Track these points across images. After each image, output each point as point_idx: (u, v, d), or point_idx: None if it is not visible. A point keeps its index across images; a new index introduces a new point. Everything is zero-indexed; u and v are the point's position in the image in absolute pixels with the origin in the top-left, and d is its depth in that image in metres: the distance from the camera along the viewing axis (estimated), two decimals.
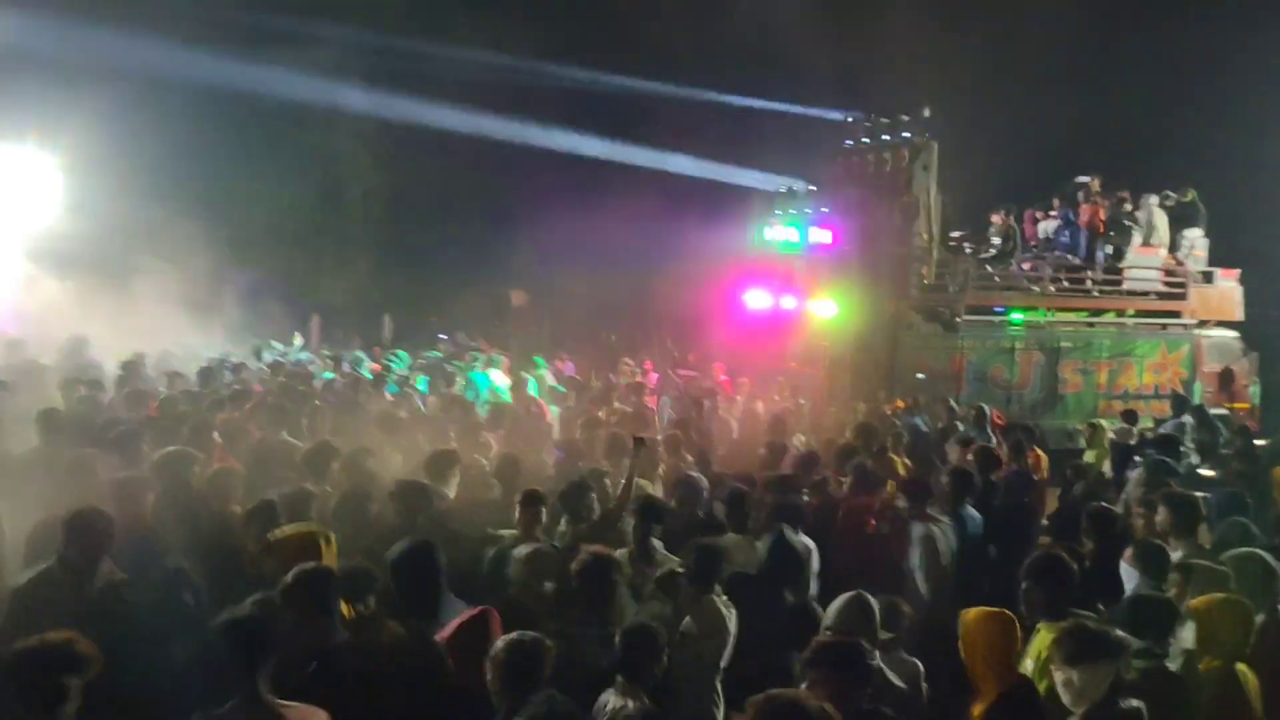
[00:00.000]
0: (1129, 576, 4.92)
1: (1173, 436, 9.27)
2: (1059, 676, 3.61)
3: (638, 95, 21.26)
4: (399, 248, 23.93)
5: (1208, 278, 15.04)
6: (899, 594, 5.11)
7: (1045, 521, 7.37)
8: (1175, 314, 14.86)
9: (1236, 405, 13.74)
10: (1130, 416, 11.42)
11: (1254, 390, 14.55)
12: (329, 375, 12.07)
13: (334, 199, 24.11)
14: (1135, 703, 3.55)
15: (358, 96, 23.29)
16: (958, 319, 13.82)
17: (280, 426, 7.54)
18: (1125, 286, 14.94)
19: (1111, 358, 14.39)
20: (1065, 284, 14.79)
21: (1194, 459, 9.09)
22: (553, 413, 10.59)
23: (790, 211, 15.77)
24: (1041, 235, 15.57)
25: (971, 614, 3.94)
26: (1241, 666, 4.13)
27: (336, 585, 3.96)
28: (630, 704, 3.70)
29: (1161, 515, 5.58)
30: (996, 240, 14.72)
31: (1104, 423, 11.18)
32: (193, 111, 19.20)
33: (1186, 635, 4.22)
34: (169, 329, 12.66)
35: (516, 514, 5.35)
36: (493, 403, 10.71)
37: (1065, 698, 3.58)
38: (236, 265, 16.69)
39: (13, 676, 3.07)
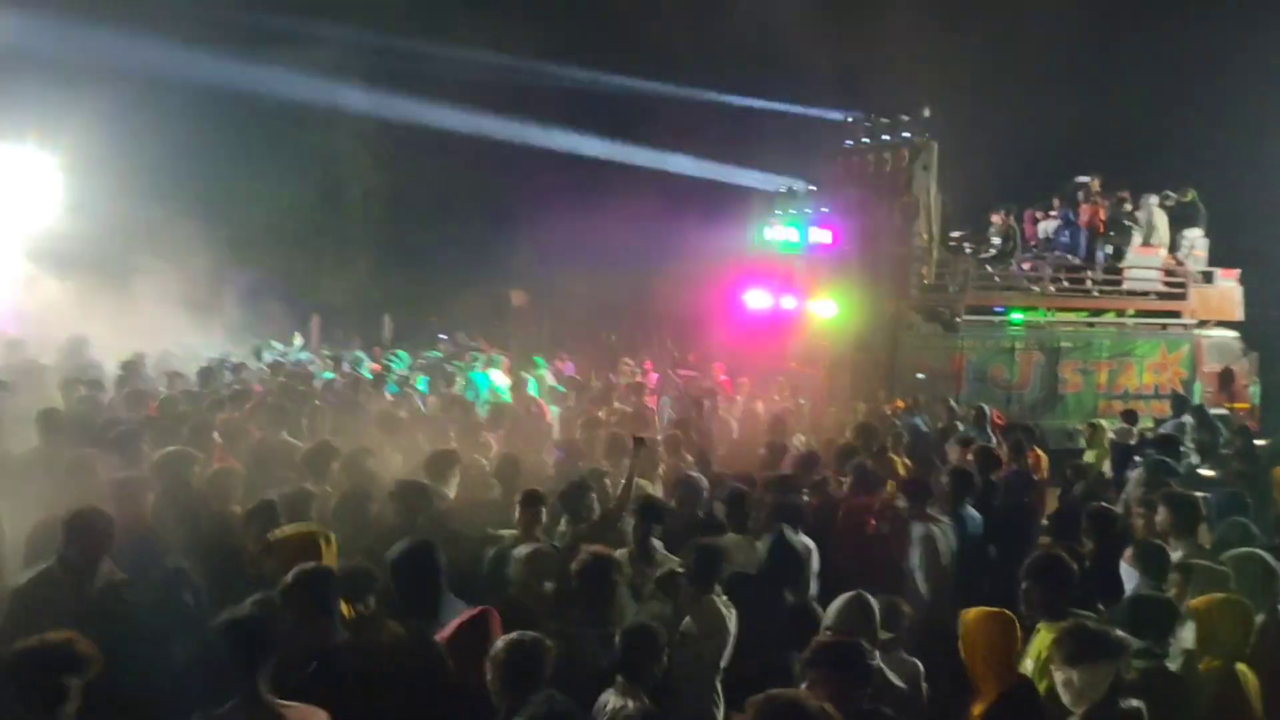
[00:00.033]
0: (1129, 576, 4.92)
1: (1173, 437, 9.27)
2: (1059, 676, 3.61)
3: (637, 95, 21.26)
4: (399, 248, 23.94)
5: (1208, 278, 15.04)
6: (899, 594, 5.11)
7: (1045, 521, 7.36)
8: (1175, 314, 14.86)
9: (1236, 405, 13.74)
10: (1130, 416, 11.42)
11: (1254, 390, 14.55)
12: (329, 375, 12.07)
13: (334, 199, 24.10)
14: (1135, 703, 3.55)
15: (358, 96, 23.28)
16: (958, 319, 13.82)
17: (280, 426, 7.54)
18: (1125, 286, 14.94)
19: (1111, 358, 14.39)
20: (1065, 284, 14.79)
21: (1194, 459, 9.09)
22: (553, 413, 10.59)
23: (790, 211, 15.77)
24: (1041, 235, 15.57)
25: (971, 614, 3.94)
26: (1241, 666, 4.13)
27: (337, 585, 3.96)
28: (630, 704, 3.70)
29: (1161, 515, 5.59)
30: (996, 240, 14.72)
31: (1104, 423, 11.18)
32: (193, 111, 19.20)
33: (1187, 635, 4.22)
34: (169, 329, 12.66)
35: (516, 514, 5.35)
36: (492, 403, 10.71)
37: (1065, 698, 3.58)
38: (236, 265, 16.69)
39: (12, 676, 3.07)
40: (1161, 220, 14.91)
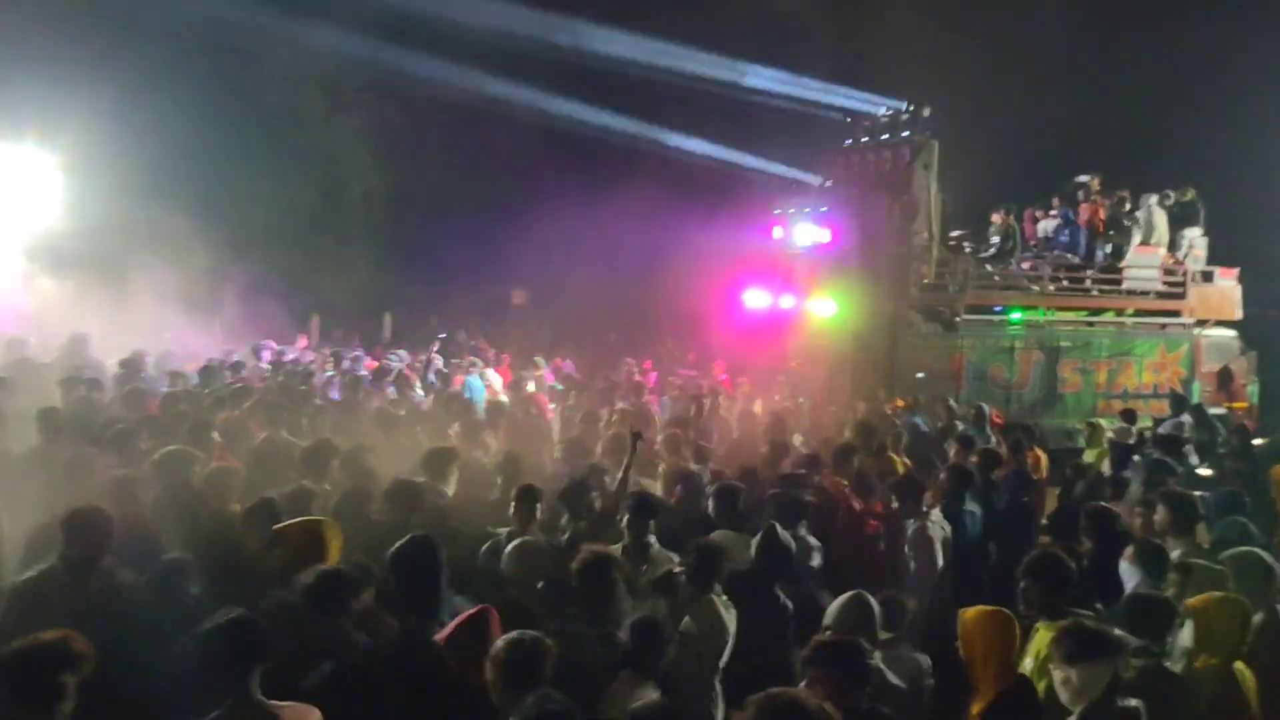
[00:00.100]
0: (1130, 575, 4.93)
1: (1176, 437, 9.26)
2: (1057, 675, 3.62)
3: (638, 95, 21.24)
4: (399, 247, 23.92)
5: (1207, 277, 15.04)
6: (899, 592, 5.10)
7: (1045, 521, 7.37)
8: (1174, 313, 14.88)
9: (1235, 404, 13.76)
10: (1129, 416, 11.42)
11: (1252, 389, 14.56)
12: (329, 374, 12.06)
13: (334, 198, 24.08)
14: (1133, 701, 3.55)
15: (358, 95, 23.32)
16: (957, 318, 13.84)
17: (279, 425, 7.55)
18: (1124, 286, 14.94)
19: (1111, 357, 14.41)
20: (1065, 283, 14.80)
21: (1193, 459, 9.09)
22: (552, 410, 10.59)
23: (791, 211, 15.76)
24: (1041, 234, 15.57)
25: (970, 613, 3.95)
26: (1239, 665, 4.14)
27: (355, 587, 3.97)
28: (651, 695, 3.71)
29: (1160, 514, 5.60)
30: (996, 239, 14.71)
31: (1103, 422, 11.19)
32: (192, 111, 19.17)
33: (1186, 635, 4.22)
34: (169, 328, 12.66)
35: (511, 510, 5.35)
36: (490, 401, 10.72)
37: (1064, 696, 3.59)
38: (236, 264, 16.67)
39: (9, 676, 3.07)
40: (1161, 219, 14.91)
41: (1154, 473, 7.36)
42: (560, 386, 12.10)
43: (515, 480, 6.04)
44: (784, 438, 8.49)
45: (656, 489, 6.67)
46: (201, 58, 19.91)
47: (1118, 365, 14.42)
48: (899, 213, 14.21)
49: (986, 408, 10.80)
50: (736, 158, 19.41)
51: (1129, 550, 5.04)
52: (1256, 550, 4.97)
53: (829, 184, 15.77)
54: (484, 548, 5.17)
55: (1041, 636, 4.16)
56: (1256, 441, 9.81)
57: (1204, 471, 8.53)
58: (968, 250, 15.05)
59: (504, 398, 11.06)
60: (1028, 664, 4.15)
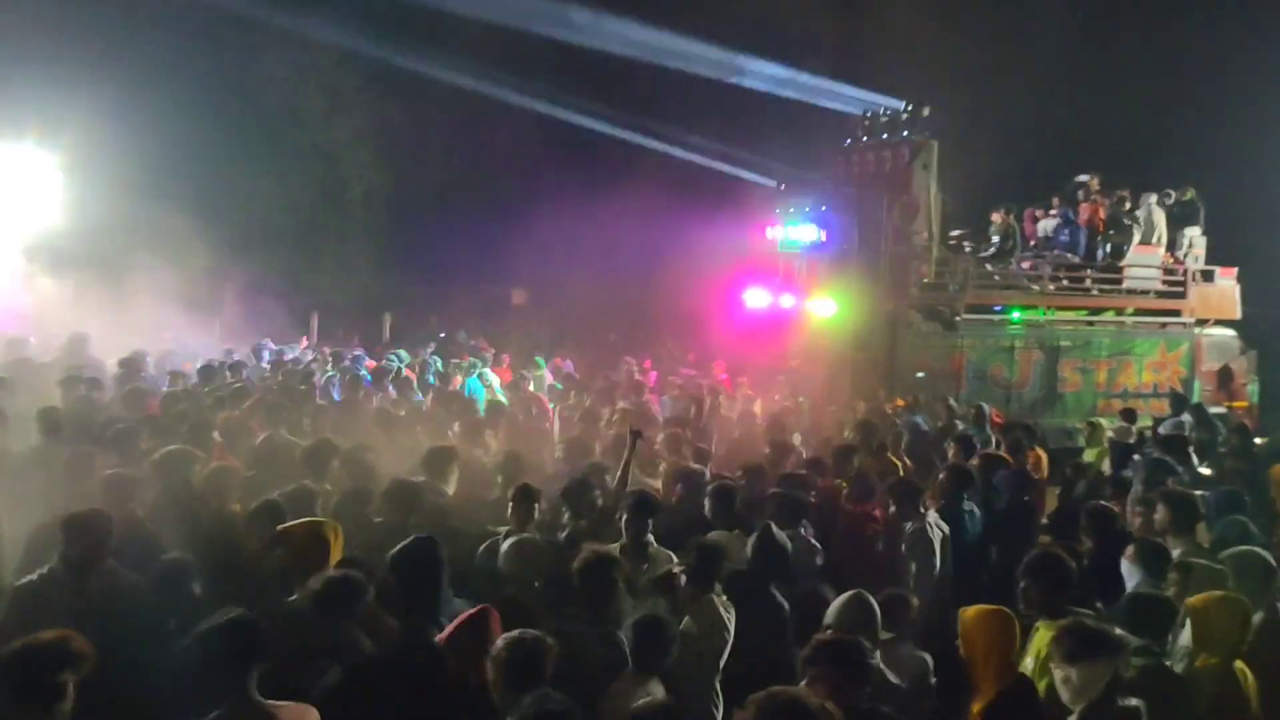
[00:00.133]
0: (1130, 574, 4.93)
1: (1181, 437, 9.24)
2: (1058, 674, 3.62)
3: (637, 95, 21.25)
4: (399, 246, 23.93)
5: (1207, 276, 15.05)
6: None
7: (1045, 520, 7.37)
8: (1174, 312, 14.88)
9: (1235, 403, 13.76)
10: (1129, 415, 11.43)
11: (1252, 388, 14.57)
12: (330, 374, 12.05)
13: (334, 197, 24.10)
14: (1134, 701, 3.55)
15: (358, 95, 23.32)
16: (957, 317, 13.84)
17: (278, 424, 7.54)
18: (1124, 285, 14.95)
19: (1111, 356, 14.41)
20: (1065, 283, 14.80)
21: (1193, 458, 9.08)
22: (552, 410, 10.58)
23: (790, 210, 15.76)
24: (1041, 234, 15.56)
25: (970, 612, 3.94)
26: (1239, 664, 4.14)
27: (365, 592, 3.98)
28: (655, 691, 3.71)
29: (1160, 513, 5.60)
30: (996, 239, 14.70)
31: (1103, 421, 11.20)
32: (192, 110, 19.18)
33: (1186, 634, 4.22)
34: (169, 327, 12.67)
35: (509, 510, 5.35)
36: (489, 401, 10.71)
37: (1064, 695, 3.59)
38: (236, 264, 16.68)
39: (9, 676, 3.07)
40: (1161, 219, 14.92)
41: (1154, 472, 7.35)
42: (560, 386, 12.09)
43: (515, 480, 6.04)
44: (785, 438, 8.48)
45: (659, 487, 6.66)
46: (201, 57, 19.91)
47: (1118, 364, 14.42)
48: (899, 212, 14.20)
49: (986, 407, 10.79)
50: (736, 157, 19.41)
51: (1130, 549, 5.05)
52: (1257, 549, 4.97)
53: (829, 183, 15.76)
54: (481, 547, 5.17)
55: (1042, 636, 4.16)
56: (1256, 441, 9.82)
57: (1204, 471, 8.52)
58: (968, 250, 15.05)
59: (504, 398, 11.06)
60: (1028, 663, 4.15)
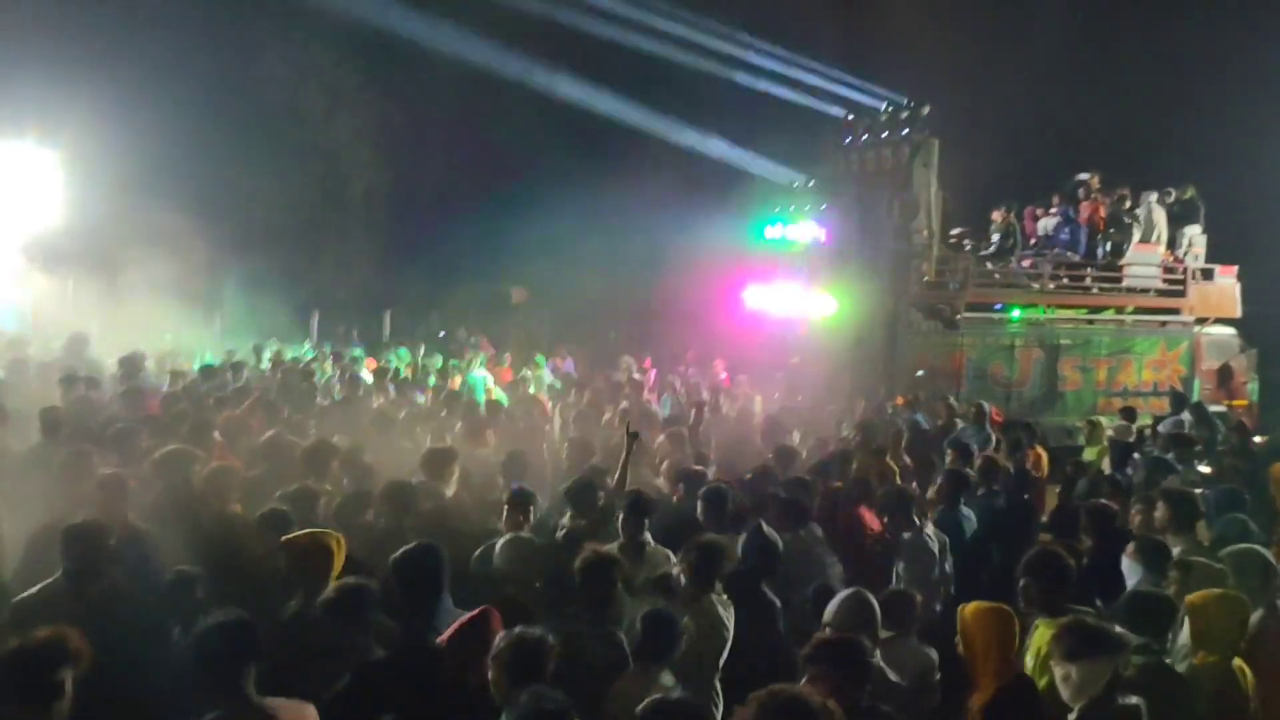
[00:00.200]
0: (1131, 573, 4.93)
1: (1186, 436, 9.22)
2: (1058, 672, 3.62)
3: (638, 93, 21.23)
4: (399, 244, 23.94)
5: (1207, 274, 15.04)
6: None
7: (1045, 519, 7.37)
8: (1174, 311, 14.88)
9: (1235, 402, 13.74)
10: (1129, 413, 11.42)
11: (1252, 387, 14.56)
12: (330, 373, 12.06)
13: (334, 195, 24.11)
14: (1134, 699, 3.55)
15: (358, 92, 23.31)
16: (957, 316, 13.84)
17: (280, 424, 7.54)
18: (1124, 283, 14.94)
19: (1111, 355, 14.41)
20: (1065, 281, 14.80)
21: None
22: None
23: (791, 208, 15.76)
24: (1041, 232, 15.55)
25: (970, 609, 3.95)
26: (1238, 662, 4.14)
27: (376, 601, 3.98)
28: (665, 681, 3.72)
29: (1160, 512, 5.60)
30: (996, 237, 14.71)
31: (1103, 420, 11.19)
32: (192, 108, 19.18)
33: (1187, 632, 4.23)
34: (169, 325, 12.67)
35: (504, 513, 5.34)
36: (489, 401, 10.72)
37: (1064, 693, 3.59)
38: (236, 261, 16.68)
39: (8, 675, 3.07)
40: (1161, 217, 14.92)
41: (1154, 471, 7.36)
42: (560, 386, 12.09)
43: (517, 480, 6.04)
44: (785, 439, 8.47)
45: (662, 487, 6.66)
46: (201, 56, 19.90)
47: (1118, 363, 14.42)
48: (899, 210, 14.21)
49: (986, 405, 10.77)
50: (737, 155, 19.39)
51: (1130, 547, 5.05)
52: (1256, 548, 4.97)
53: (830, 181, 15.76)
54: (475, 554, 5.14)
55: (1042, 634, 4.16)
56: (1256, 439, 9.82)
57: (1204, 469, 8.53)
58: (968, 248, 15.05)
59: (503, 398, 11.06)
60: (1028, 661, 4.15)
